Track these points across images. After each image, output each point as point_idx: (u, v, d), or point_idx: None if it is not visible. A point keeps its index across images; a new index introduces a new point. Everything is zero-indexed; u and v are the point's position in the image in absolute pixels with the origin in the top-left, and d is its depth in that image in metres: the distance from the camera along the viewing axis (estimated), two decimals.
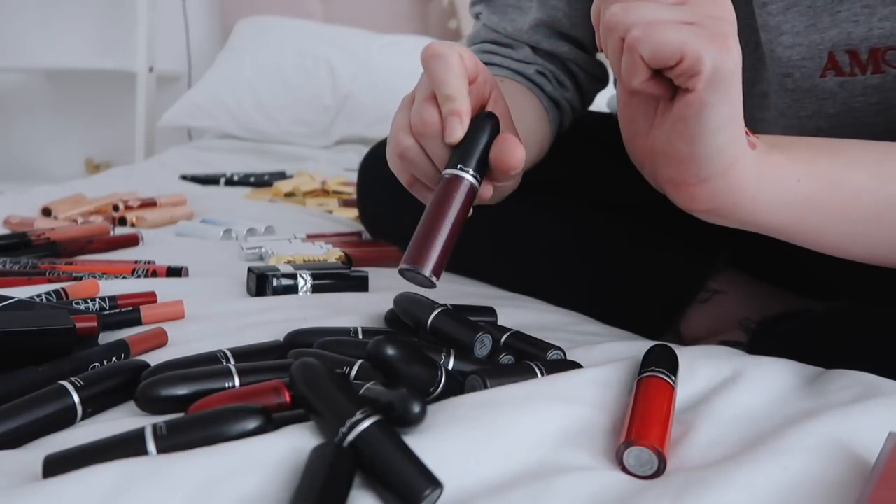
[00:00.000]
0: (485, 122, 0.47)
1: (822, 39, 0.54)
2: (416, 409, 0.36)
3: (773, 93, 0.59)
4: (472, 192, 0.45)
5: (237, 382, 0.43)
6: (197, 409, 0.39)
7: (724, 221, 0.45)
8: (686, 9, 0.40)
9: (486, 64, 0.75)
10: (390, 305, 0.57)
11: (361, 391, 0.39)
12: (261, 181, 1.48)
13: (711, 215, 0.45)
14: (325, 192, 1.37)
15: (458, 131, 0.45)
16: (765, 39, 0.57)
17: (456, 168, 0.45)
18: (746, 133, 0.43)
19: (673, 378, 0.43)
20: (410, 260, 0.43)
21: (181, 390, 0.41)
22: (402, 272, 0.44)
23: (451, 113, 0.45)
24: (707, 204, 0.44)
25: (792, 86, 0.57)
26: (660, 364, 0.44)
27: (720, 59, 0.38)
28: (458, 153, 0.46)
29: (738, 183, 0.42)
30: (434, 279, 0.43)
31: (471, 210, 0.46)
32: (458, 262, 0.82)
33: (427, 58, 0.46)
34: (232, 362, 0.46)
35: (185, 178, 1.50)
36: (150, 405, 0.41)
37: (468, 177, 0.45)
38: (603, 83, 0.80)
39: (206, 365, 0.45)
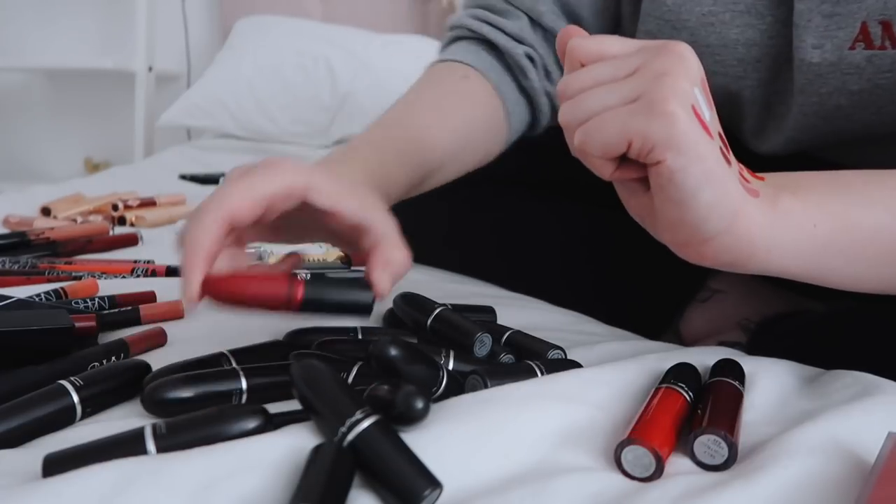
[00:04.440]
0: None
1: (859, 8, 0.53)
2: (420, 405, 0.36)
3: (794, 68, 0.58)
4: None
5: (244, 384, 0.43)
6: (228, 283, 0.41)
7: (739, 271, 0.44)
8: (634, 78, 0.39)
9: (471, 37, 0.71)
10: (390, 305, 0.57)
11: (367, 391, 0.38)
12: None
13: (725, 268, 0.43)
14: None
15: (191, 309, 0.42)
16: (802, 8, 0.56)
17: None
18: (746, 179, 0.41)
19: (691, 392, 0.42)
20: None
21: (188, 392, 0.41)
22: None
23: (185, 297, 0.41)
24: (717, 260, 0.42)
25: (818, 59, 0.56)
26: (684, 378, 0.43)
27: (665, 128, 0.37)
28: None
29: (747, 236, 0.41)
30: None
31: None
32: (459, 261, 0.82)
33: (191, 216, 0.42)
34: (234, 363, 0.46)
35: (184, 177, 1.50)
36: (157, 407, 0.41)
37: None
38: None
39: (210, 367, 0.45)
